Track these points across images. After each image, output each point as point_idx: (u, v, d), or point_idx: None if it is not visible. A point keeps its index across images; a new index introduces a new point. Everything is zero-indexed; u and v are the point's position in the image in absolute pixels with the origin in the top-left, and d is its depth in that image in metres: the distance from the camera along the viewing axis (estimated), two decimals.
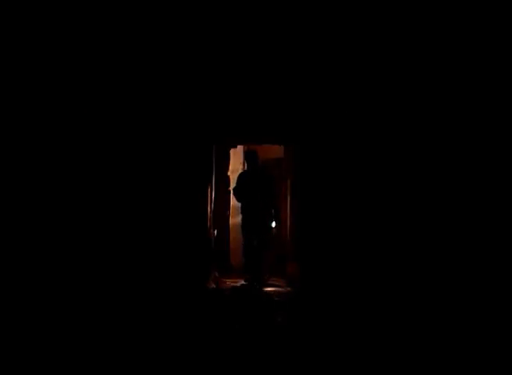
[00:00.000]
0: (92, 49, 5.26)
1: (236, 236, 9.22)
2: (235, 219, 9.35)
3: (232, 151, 9.14)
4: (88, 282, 4.97)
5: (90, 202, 5.28)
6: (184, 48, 6.10)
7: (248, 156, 7.79)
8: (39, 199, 4.87)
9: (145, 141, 5.80)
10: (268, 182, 7.60)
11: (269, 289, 7.27)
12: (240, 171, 8.75)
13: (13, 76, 4.87)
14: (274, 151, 8.71)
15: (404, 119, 5.98)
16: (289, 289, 7.19)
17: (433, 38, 5.73)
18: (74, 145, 5.19)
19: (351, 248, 6.47)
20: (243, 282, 7.62)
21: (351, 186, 6.50)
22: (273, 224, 7.68)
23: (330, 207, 6.79)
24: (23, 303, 4.53)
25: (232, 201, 9.29)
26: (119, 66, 5.54)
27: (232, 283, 7.64)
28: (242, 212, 7.78)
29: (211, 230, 7.64)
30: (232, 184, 9.15)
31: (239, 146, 9.25)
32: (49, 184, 4.98)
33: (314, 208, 7.03)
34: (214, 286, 7.07)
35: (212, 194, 7.62)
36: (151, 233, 5.81)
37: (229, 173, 9.00)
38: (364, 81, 6.28)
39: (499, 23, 5.39)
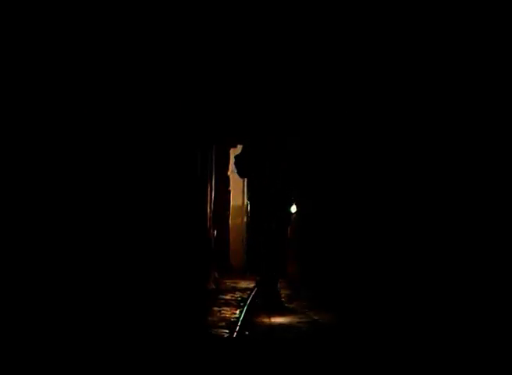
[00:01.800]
0: (94, 52, 5.24)
1: (236, 236, 9.22)
2: (235, 219, 9.35)
3: (232, 151, 9.14)
4: (87, 283, 4.95)
5: (89, 202, 5.26)
6: (185, 49, 6.08)
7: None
8: (37, 202, 4.86)
9: (145, 142, 5.78)
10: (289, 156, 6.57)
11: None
12: None
13: (10, 76, 4.86)
14: None
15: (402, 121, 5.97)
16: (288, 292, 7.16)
17: (432, 38, 5.71)
18: (75, 147, 5.17)
19: (352, 248, 6.45)
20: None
21: (352, 188, 6.49)
22: (293, 209, 6.64)
23: (330, 206, 6.78)
24: (29, 305, 4.52)
25: (233, 201, 9.29)
26: (121, 66, 5.52)
27: (232, 284, 7.64)
28: (251, 196, 6.64)
29: (211, 231, 7.63)
30: (232, 184, 9.16)
31: (239, 146, 9.24)
32: (48, 186, 4.96)
33: (314, 207, 7.02)
34: (214, 287, 7.06)
35: (212, 194, 7.61)
36: (151, 234, 5.79)
37: (228, 173, 9.00)
38: (363, 81, 6.26)
39: (499, 23, 5.37)
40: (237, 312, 5.77)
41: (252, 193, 6.61)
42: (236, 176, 8.82)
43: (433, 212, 5.39)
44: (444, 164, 5.35)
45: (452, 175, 5.29)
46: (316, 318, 5.55)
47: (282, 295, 6.59)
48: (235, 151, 9.24)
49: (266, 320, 5.51)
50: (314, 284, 6.91)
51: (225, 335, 4.77)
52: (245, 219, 9.43)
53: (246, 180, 8.58)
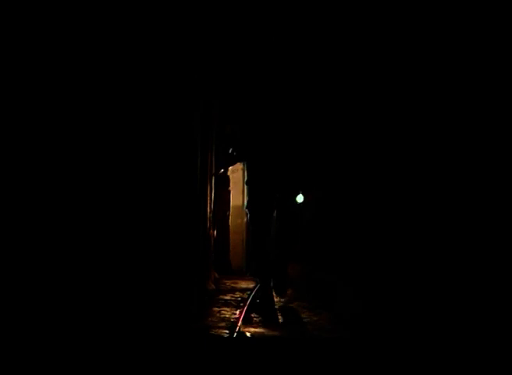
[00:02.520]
0: (90, 48, 5.20)
1: (235, 236, 9.19)
2: (235, 220, 9.31)
3: (231, 151, 9.10)
4: (83, 283, 4.92)
5: (85, 200, 5.22)
6: (185, 48, 6.05)
7: None
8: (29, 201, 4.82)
9: (143, 141, 5.74)
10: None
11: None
12: (240, 171, 8.71)
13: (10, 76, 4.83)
14: None
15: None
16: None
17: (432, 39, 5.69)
18: (69, 145, 5.13)
19: (354, 247, 6.44)
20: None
21: (352, 186, 6.47)
22: (299, 198, 5.76)
23: (331, 205, 6.77)
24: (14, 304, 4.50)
25: (232, 201, 9.25)
26: (118, 66, 5.48)
27: (232, 284, 7.61)
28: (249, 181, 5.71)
29: (211, 231, 7.60)
30: (232, 184, 9.13)
31: None
32: (42, 187, 4.92)
33: (315, 206, 7.01)
34: (213, 287, 7.03)
35: (212, 194, 7.58)
36: (150, 234, 5.76)
37: (228, 173, 8.97)
38: (360, 83, 6.25)
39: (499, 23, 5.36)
40: (237, 312, 5.75)
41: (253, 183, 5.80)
42: (236, 176, 8.80)
43: (441, 213, 5.37)
44: (448, 160, 5.33)
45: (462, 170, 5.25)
46: (315, 319, 5.55)
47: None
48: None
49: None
50: (316, 284, 6.89)
51: (225, 335, 4.76)
52: (245, 220, 9.40)
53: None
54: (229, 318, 5.49)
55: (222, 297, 6.64)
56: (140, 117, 5.40)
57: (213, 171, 7.61)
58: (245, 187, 8.82)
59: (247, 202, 6.01)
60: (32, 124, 4.85)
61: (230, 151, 6.73)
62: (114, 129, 5.23)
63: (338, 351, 4.29)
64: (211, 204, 7.41)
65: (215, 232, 8.06)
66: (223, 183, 8.75)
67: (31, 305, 4.45)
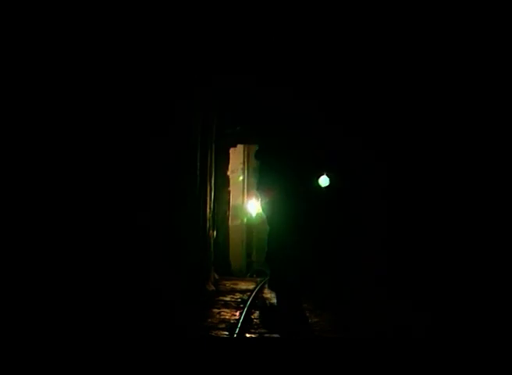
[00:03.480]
0: (84, 43, 5.15)
1: (235, 237, 9.17)
2: (234, 220, 9.30)
3: (232, 151, 9.09)
4: (84, 284, 4.89)
5: (84, 201, 5.19)
6: (185, 46, 6.02)
7: None
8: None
9: (144, 141, 5.71)
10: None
11: None
12: (240, 171, 8.70)
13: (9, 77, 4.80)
14: None
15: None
16: None
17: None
18: (70, 146, 5.09)
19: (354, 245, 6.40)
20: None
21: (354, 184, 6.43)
22: (323, 182, 5.12)
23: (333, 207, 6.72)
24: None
25: (232, 201, 9.23)
26: (123, 72, 5.44)
27: (232, 285, 7.59)
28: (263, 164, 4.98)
29: (211, 231, 7.58)
30: (232, 184, 9.12)
31: (239, 146, 9.20)
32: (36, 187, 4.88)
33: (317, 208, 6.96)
34: (213, 288, 7.00)
35: (212, 194, 7.55)
36: (149, 234, 5.74)
37: (228, 173, 8.95)
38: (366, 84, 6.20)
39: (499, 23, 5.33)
40: (237, 313, 5.72)
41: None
42: (236, 176, 8.78)
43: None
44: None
45: None
46: (316, 320, 5.52)
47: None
48: (234, 151, 9.20)
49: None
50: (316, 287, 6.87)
51: (225, 336, 4.74)
52: (245, 220, 9.38)
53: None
54: (228, 319, 5.46)
55: (221, 298, 6.62)
56: (141, 118, 5.38)
57: (213, 171, 7.59)
58: (245, 188, 8.82)
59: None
60: (29, 123, 4.83)
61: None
62: (116, 131, 5.22)
63: (338, 351, 4.26)
64: (211, 204, 7.38)
65: (215, 232, 8.04)
66: (223, 183, 8.73)
67: (29, 306, 4.42)
